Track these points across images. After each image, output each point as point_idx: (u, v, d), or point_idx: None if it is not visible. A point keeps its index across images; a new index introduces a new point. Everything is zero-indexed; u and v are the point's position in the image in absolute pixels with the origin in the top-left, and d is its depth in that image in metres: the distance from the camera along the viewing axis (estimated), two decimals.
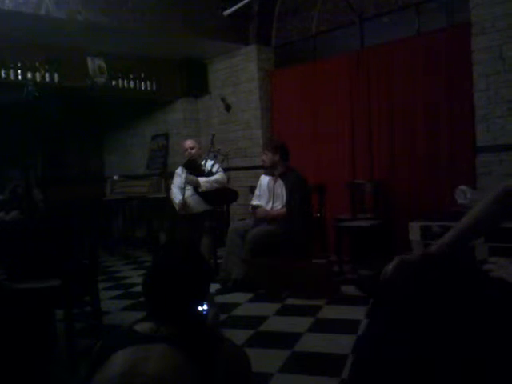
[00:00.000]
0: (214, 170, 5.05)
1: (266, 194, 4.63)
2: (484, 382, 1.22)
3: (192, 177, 4.88)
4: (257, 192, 4.78)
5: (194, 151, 5.10)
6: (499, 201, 1.45)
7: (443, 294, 1.31)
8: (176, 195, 5.05)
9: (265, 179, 4.72)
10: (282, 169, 4.55)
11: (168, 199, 5.47)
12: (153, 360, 1.26)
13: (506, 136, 4.36)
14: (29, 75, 5.50)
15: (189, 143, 5.16)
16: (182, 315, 1.39)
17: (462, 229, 1.48)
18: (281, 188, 4.53)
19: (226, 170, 5.27)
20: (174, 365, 1.27)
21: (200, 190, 4.87)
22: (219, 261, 4.93)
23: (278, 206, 4.54)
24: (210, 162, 5.14)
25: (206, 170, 5.05)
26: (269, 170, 4.65)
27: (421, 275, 1.40)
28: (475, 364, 1.21)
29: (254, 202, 4.69)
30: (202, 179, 4.89)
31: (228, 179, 5.39)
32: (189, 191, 4.96)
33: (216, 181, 4.95)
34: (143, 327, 1.37)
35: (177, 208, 4.97)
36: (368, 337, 1.41)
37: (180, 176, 5.16)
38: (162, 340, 1.31)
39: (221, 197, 5.04)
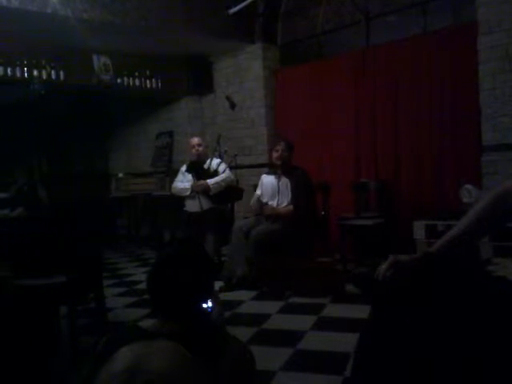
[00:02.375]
0: (221, 169, 5.06)
1: (270, 192, 4.62)
2: (484, 381, 1.21)
3: (201, 182, 4.89)
4: (258, 192, 4.75)
5: (201, 148, 5.11)
6: (499, 200, 1.43)
7: (443, 293, 1.31)
8: (181, 184, 5.07)
9: (267, 178, 4.69)
10: (287, 166, 4.55)
11: (173, 197, 5.48)
12: (157, 356, 1.26)
13: None
14: (35, 73, 5.52)
15: (196, 140, 5.16)
16: (186, 312, 1.40)
17: (461, 229, 1.47)
18: (286, 185, 4.52)
19: (230, 167, 5.27)
20: (178, 361, 1.27)
21: (210, 194, 4.90)
22: (223, 258, 4.94)
23: (284, 203, 4.53)
24: (215, 161, 5.15)
25: (212, 169, 5.05)
26: (276, 166, 4.63)
27: (420, 274, 1.40)
28: (475, 363, 1.21)
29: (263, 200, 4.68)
30: (210, 181, 4.91)
31: (237, 180, 5.41)
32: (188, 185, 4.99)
33: (223, 180, 4.97)
34: (148, 324, 1.38)
35: (188, 192, 4.97)
36: (369, 335, 1.41)
37: (184, 174, 5.16)
38: (166, 337, 1.32)
39: (226, 195, 5.05)
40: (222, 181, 4.97)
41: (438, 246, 1.48)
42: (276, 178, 4.61)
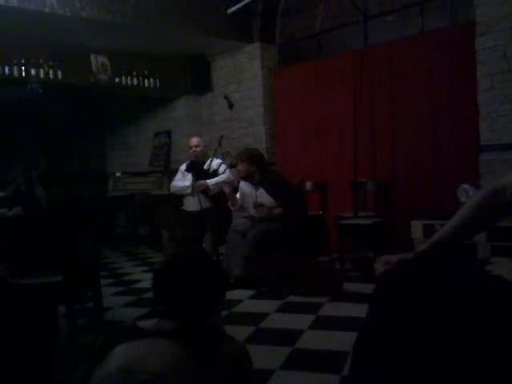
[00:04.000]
0: (221, 169, 5.05)
1: (249, 202, 4.56)
2: (483, 381, 1.22)
3: (201, 182, 4.89)
4: (238, 196, 4.70)
5: (198, 149, 5.09)
6: (489, 199, 1.43)
7: (441, 293, 1.31)
8: (181, 183, 5.07)
9: (246, 186, 4.62)
10: (258, 176, 4.49)
11: (171, 196, 5.47)
12: (154, 356, 1.26)
13: (510, 135, 4.35)
14: (32, 72, 5.51)
15: (194, 141, 5.13)
16: (188, 313, 1.39)
17: (451, 228, 1.46)
18: (265, 195, 4.46)
19: (231, 166, 5.26)
20: (175, 361, 1.26)
21: (210, 194, 4.89)
22: (221, 258, 4.94)
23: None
24: (216, 161, 5.14)
25: (211, 170, 5.04)
26: (244, 179, 4.58)
27: (417, 274, 1.40)
28: (474, 362, 1.21)
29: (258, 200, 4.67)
30: (210, 182, 4.90)
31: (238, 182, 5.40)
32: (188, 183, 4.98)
33: (224, 181, 4.96)
34: (146, 323, 1.38)
35: (189, 190, 4.96)
36: (366, 334, 1.41)
37: (183, 173, 5.15)
38: (164, 335, 1.31)
39: (224, 196, 5.04)
40: (223, 182, 4.96)
41: (429, 245, 1.47)
42: (253, 187, 4.55)
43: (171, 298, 1.39)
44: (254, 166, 4.47)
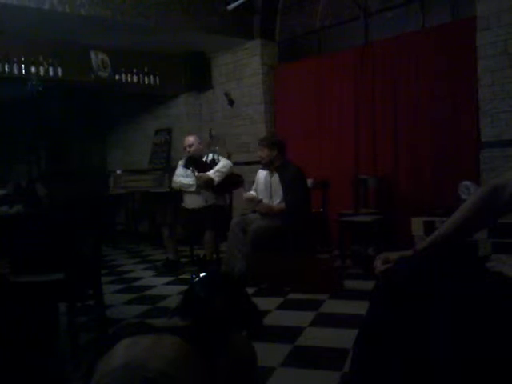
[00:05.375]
0: (216, 158, 5.07)
1: (263, 189, 4.58)
2: (484, 380, 1.21)
3: (201, 174, 4.87)
4: (253, 187, 4.73)
5: (192, 148, 5.07)
6: (489, 197, 1.42)
7: (441, 291, 1.31)
8: (184, 179, 5.05)
9: (262, 173, 4.65)
10: (278, 163, 4.50)
11: (172, 193, 5.47)
12: (158, 352, 1.25)
13: (511, 131, 4.34)
14: (32, 70, 5.50)
15: (188, 141, 5.12)
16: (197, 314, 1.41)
17: (450, 227, 1.46)
18: (277, 182, 4.48)
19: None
20: (180, 357, 1.25)
21: (215, 184, 4.88)
22: (221, 255, 4.94)
23: (277, 200, 4.50)
24: (211, 155, 5.15)
25: (209, 162, 5.05)
26: (266, 166, 4.60)
27: (416, 271, 1.40)
28: (475, 360, 1.21)
29: (255, 196, 4.67)
30: (210, 172, 4.90)
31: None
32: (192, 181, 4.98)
33: (223, 167, 4.96)
34: (154, 321, 1.37)
35: (193, 188, 4.96)
36: (367, 331, 1.41)
37: (183, 168, 5.14)
38: (169, 331, 1.31)
39: (226, 183, 5.01)
40: (222, 167, 4.95)
41: (429, 242, 1.47)
42: (269, 174, 4.58)
43: (196, 312, 1.41)
44: (276, 151, 4.45)
